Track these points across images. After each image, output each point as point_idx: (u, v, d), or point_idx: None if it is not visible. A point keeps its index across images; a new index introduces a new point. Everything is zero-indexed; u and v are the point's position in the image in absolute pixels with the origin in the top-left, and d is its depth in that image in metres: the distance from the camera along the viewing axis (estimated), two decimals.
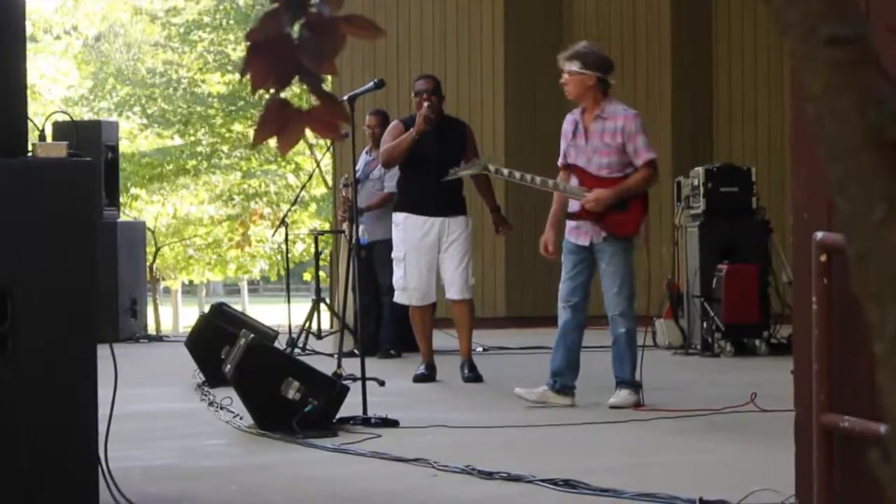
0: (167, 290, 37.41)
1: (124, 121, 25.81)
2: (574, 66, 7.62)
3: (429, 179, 8.96)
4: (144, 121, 25.84)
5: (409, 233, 9.05)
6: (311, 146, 25.31)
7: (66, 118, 8.41)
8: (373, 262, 10.68)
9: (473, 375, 8.98)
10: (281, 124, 1.85)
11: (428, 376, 9.03)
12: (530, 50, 13.98)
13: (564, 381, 7.66)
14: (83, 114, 26.82)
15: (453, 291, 9.02)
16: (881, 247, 1.47)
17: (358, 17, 1.87)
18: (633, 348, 7.60)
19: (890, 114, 1.43)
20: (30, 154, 4.92)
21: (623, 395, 7.59)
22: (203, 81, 25.14)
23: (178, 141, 25.94)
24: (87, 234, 4.83)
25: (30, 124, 5.13)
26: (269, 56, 1.80)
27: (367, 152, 11.13)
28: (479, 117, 13.48)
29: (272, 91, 1.85)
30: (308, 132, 1.89)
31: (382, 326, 10.76)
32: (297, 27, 1.82)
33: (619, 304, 7.56)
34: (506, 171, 8.23)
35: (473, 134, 9.39)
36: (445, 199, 8.97)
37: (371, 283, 10.72)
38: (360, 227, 9.60)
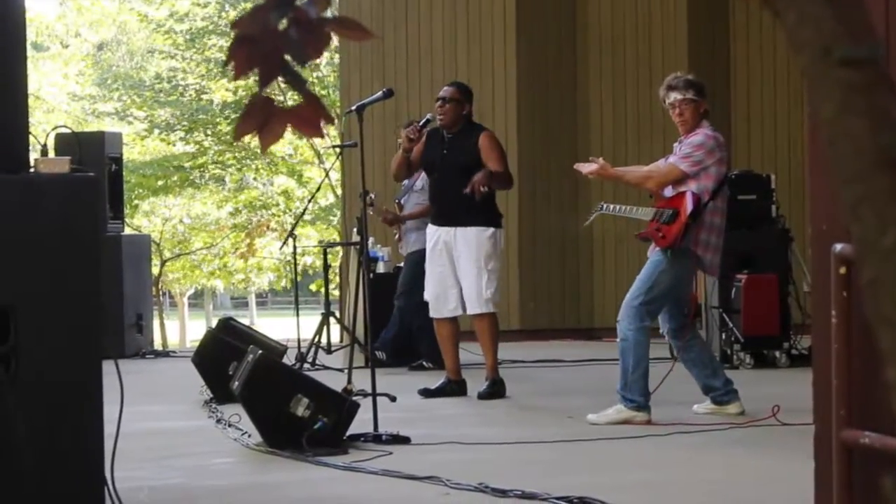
0: (173, 303, 37.38)
1: (127, 126, 25.76)
2: (689, 94, 7.82)
3: (436, 189, 8.90)
4: (147, 126, 25.74)
5: (426, 243, 9.04)
6: (318, 154, 25.22)
7: (69, 131, 8.33)
8: (416, 272, 10.46)
9: (487, 392, 8.72)
10: (263, 120, 1.84)
11: (443, 390, 8.88)
12: (543, 54, 13.86)
13: (715, 393, 7.66)
14: (86, 116, 26.85)
15: (469, 306, 8.82)
16: (893, 271, 1.40)
17: (346, 19, 1.87)
18: (624, 359, 7.37)
19: None
20: (32, 170, 4.85)
21: (605, 412, 7.43)
22: (210, 89, 25.10)
23: (181, 147, 25.81)
24: (91, 250, 4.77)
25: (32, 138, 5.07)
26: (253, 48, 1.79)
27: None
28: (491, 123, 13.38)
29: (256, 88, 1.85)
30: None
31: (421, 338, 10.54)
32: (283, 23, 1.82)
33: (622, 311, 7.44)
34: (618, 207, 8.00)
35: (494, 140, 8.96)
36: (451, 209, 8.75)
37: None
38: (371, 239, 9.44)
